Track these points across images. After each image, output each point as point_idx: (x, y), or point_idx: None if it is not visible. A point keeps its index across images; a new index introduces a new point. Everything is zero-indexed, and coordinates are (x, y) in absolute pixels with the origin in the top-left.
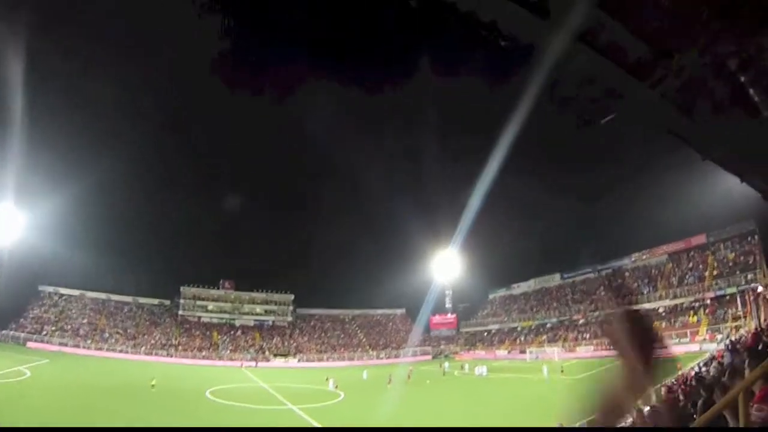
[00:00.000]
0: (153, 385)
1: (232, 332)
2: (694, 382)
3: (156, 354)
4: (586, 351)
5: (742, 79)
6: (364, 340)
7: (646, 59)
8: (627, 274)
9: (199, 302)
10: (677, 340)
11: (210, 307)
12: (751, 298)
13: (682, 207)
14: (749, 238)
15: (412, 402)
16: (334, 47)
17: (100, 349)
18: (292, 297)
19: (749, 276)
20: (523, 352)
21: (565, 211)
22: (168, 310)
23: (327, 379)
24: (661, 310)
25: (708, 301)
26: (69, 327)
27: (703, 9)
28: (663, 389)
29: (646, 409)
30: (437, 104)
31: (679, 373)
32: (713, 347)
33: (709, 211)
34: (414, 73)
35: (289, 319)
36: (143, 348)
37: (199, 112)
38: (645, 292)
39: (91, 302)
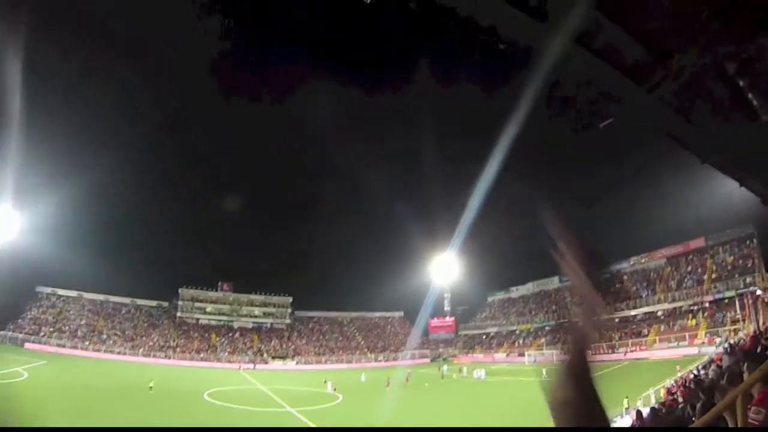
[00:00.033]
0: (151, 387)
1: (230, 334)
2: (692, 385)
3: (154, 356)
4: None
5: (741, 83)
6: (362, 342)
7: (644, 62)
8: (626, 277)
9: (197, 304)
10: (676, 344)
11: (208, 309)
12: (750, 301)
13: (681, 210)
14: (748, 242)
15: (410, 405)
16: (335, 49)
17: (98, 350)
18: (291, 299)
19: (748, 279)
20: (521, 355)
21: (563, 214)
22: (166, 312)
23: (325, 382)
24: (659, 313)
25: (707, 305)
26: (67, 328)
27: (701, 13)
28: (663, 391)
29: (646, 410)
30: (436, 106)
31: (678, 375)
32: (712, 350)
33: (707, 215)
34: (414, 75)
35: (288, 321)
36: (141, 350)
37: (198, 113)
38: (644, 296)
39: (89, 303)
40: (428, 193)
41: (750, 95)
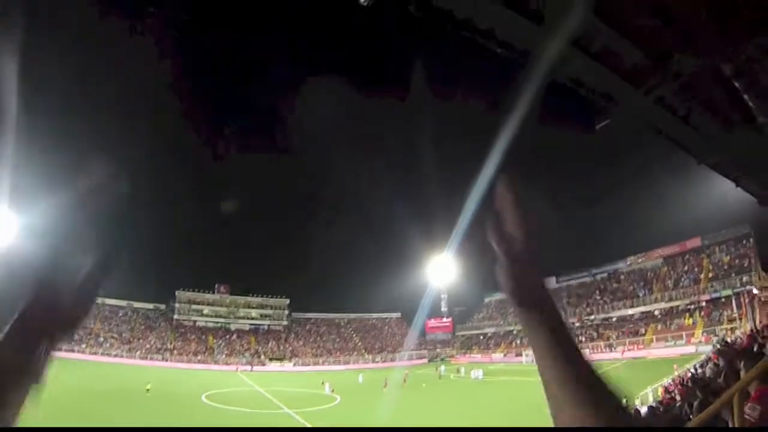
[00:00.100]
0: (148, 390)
1: (227, 336)
2: (690, 384)
3: (151, 358)
4: None
5: (737, 85)
6: (359, 344)
7: (641, 65)
8: (623, 277)
9: (194, 306)
10: (673, 343)
11: (205, 312)
12: (747, 300)
13: (678, 211)
14: (744, 242)
15: (408, 406)
16: (330, 52)
17: (95, 353)
18: (288, 301)
19: (744, 278)
20: (519, 355)
21: (560, 215)
22: (163, 315)
23: (323, 383)
24: (657, 312)
25: (703, 304)
26: (63, 337)
27: (698, 14)
28: (660, 390)
29: (644, 408)
30: (433, 108)
31: (676, 374)
32: (709, 349)
33: (704, 215)
34: (411, 78)
35: (285, 323)
36: (138, 352)
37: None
38: (641, 295)
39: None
40: (425, 194)
41: (746, 96)
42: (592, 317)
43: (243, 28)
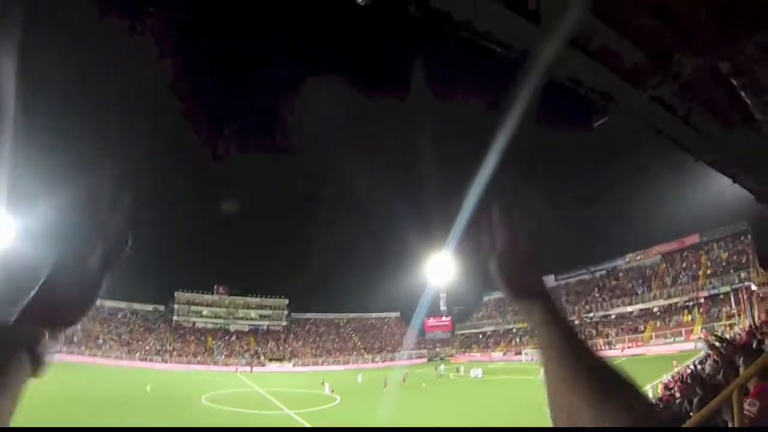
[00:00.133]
0: (147, 392)
1: (226, 337)
2: (689, 380)
3: (150, 360)
4: None
5: (734, 82)
6: (359, 343)
7: (640, 64)
8: (621, 274)
9: (193, 308)
10: (672, 339)
11: (204, 313)
12: (745, 296)
13: (676, 208)
14: (742, 238)
15: (407, 405)
16: (328, 52)
17: (94, 355)
18: (287, 301)
19: (743, 275)
20: (518, 353)
21: (558, 213)
22: (162, 316)
23: (322, 384)
24: (655, 309)
25: (702, 300)
26: (62, 334)
27: (697, 13)
28: (660, 387)
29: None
30: (433, 108)
31: (675, 371)
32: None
33: (702, 212)
34: (409, 79)
35: (284, 323)
36: (138, 354)
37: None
38: (639, 292)
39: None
40: (424, 193)
41: (743, 94)
42: (591, 315)
43: (243, 28)
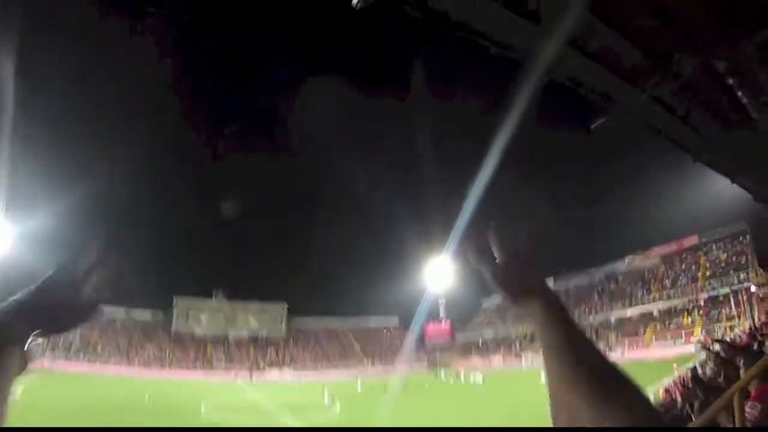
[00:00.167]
0: (146, 401)
1: (226, 345)
2: (690, 384)
3: (149, 368)
4: None
5: (732, 81)
6: (358, 350)
7: (639, 64)
8: (621, 277)
9: (192, 314)
10: (672, 342)
11: (203, 320)
12: (745, 297)
13: (674, 209)
14: (741, 238)
15: (408, 412)
16: (331, 52)
17: (93, 363)
18: (286, 309)
19: (742, 276)
20: (518, 358)
21: (557, 214)
22: (161, 324)
23: (323, 391)
24: (655, 312)
25: (702, 302)
26: (61, 342)
27: (696, 13)
28: (661, 391)
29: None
30: (433, 110)
31: (676, 374)
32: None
33: (700, 213)
34: (410, 80)
35: (283, 331)
36: (136, 362)
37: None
38: (639, 295)
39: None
40: (423, 197)
41: (741, 93)
42: (591, 319)
43: (243, 28)
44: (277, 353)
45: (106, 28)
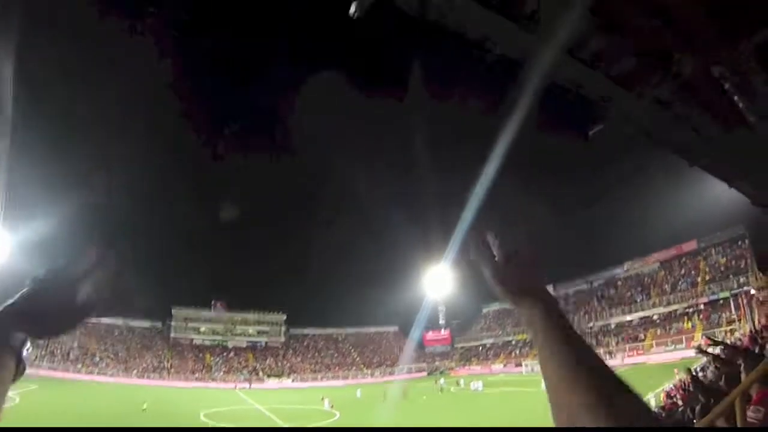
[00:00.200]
0: (144, 409)
1: (224, 354)
2: (691, 387)
3: (148, 377)
4: None
5: (729, 84)
6: (358, 358)
7: (637, 68)
8: (620, 283)
9: (190, 324)
10: (673, 347)
11: (202, 329)
12: (745, 301)
13: (673, 214)
14: (740, 242)
15: (408, 419)
16: (324, 60)
17: (91, 373)
18: (285, 317)
19: (741, 280)
20: (519, 365)
21: (556, 222)
22: (159, 333)
23: (322, 399)
24: (655, 317)
25: (702, 307)
26: (59, 351)
27: (695, 14)
28: (662, 395)
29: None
30: (432, 116)
31: (677, 379)
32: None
33: (698, 218)
34: (409, 87)
35: (282, 339)
36: (135, 371)
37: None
38: (639, 300)
39: (81, 325)
40: (422, 205)
41: (738, 96)
42: (591, 324)
43: (243, 28)
44: (276, 362)
45: (106, 28)
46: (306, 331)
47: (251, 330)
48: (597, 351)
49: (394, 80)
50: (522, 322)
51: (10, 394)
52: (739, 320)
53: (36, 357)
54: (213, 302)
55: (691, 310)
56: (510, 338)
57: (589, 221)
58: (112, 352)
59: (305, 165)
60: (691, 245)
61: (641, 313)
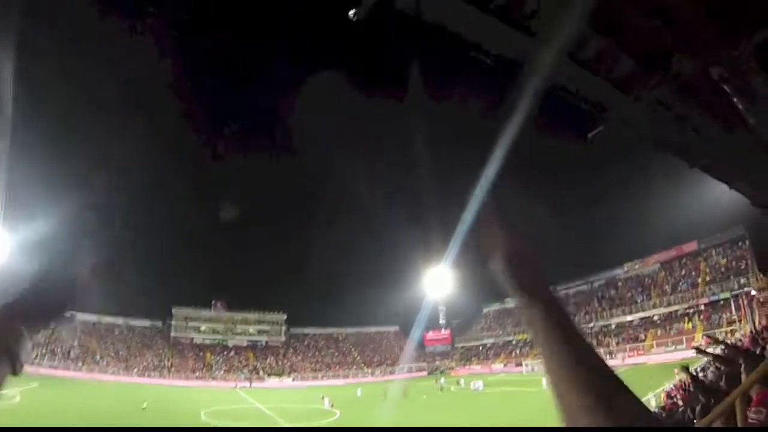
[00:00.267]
0: (144, 408)
1: (225, 353)
2: (692, 388)
3: (149, 376)
4: None
5: (729, 86)
6: (358, 357)
7: (635, 70)
8: (620, 284)
9: (191, 323)
10: (673, 347)
11: (202, 328)
12: (745, 302)
13: (673, 215)
14: (740, 243)
15: (408, 419)
16: (323, 62)
17: (92, 371)
18: (285, 316)
19: (742, 280)
20: (519, 365)
21: (556, 223)
22: (160, 332)
23: (322, 398)
24: (656, 318)
25: (702, 307)
26: (59, 350)
27: (695, 15)
28: (663, 395)
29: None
30: (431, 119)
31: (677, 379)
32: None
33: (699, 219)
34: (406, 90)
35: (283, 338)
36: (135, 370)
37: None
38: (639, 301)
39: (82, 324)
40: (422, 204)
41: (737, 97)
42: (591, 325)
43: (243, 29)
44: (276, 360)
45: (106, 28)
46: (306, 330)
47: (252, 329)
48: (598, 351)
49: (394, 81)
50: (522, 321)
51: (10, 392)
52: (740, 321)
53: (37, 355)
54: (213, 302)
55: (691, 310)
56: (510, 338)
57: (589, 222)
58: (113, 350)
59: (305, 165)
60: (691, 246)
61: (642, 314)
